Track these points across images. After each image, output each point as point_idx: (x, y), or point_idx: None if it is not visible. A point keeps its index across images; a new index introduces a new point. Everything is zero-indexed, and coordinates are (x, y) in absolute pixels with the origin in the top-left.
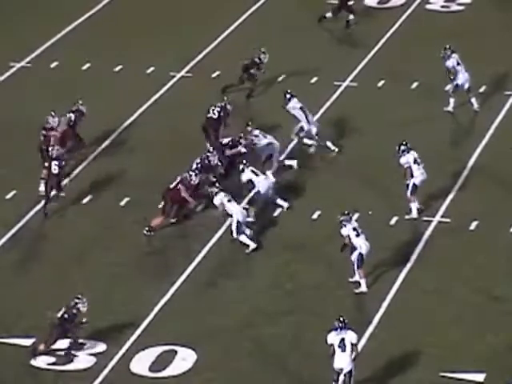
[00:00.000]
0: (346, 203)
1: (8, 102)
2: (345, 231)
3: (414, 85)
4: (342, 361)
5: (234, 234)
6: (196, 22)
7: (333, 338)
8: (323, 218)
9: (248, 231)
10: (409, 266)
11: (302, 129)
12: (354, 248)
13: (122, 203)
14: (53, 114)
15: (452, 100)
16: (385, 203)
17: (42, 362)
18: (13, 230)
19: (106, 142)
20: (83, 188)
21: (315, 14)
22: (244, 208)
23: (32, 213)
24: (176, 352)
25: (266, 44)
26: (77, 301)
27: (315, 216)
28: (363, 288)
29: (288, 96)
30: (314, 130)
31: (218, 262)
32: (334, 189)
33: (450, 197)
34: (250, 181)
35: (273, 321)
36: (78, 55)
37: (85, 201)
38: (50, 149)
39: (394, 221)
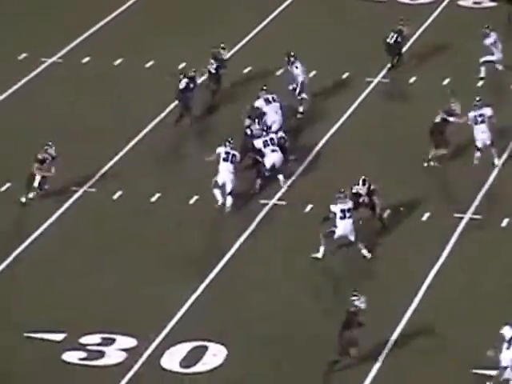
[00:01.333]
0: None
1: (40, 98)
2: (333, 208)
3: (446, 81)
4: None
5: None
6: (220, 21)
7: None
8: None
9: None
10: (440, 261)
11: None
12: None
13: (153, 199)
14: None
15: (483, 69)
16: (417, 199)
17: (73, 357)
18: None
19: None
20: (114, 183)
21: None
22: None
23: (63, 208)
24: (207, 348)
25: (293, 43)
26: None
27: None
28: (319, 254)
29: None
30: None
31: (248, 258)
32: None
33: (482, 193)
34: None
35: (304, 313)
36: (110, 51)
37: (115, 196)
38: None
39: (425, 217)
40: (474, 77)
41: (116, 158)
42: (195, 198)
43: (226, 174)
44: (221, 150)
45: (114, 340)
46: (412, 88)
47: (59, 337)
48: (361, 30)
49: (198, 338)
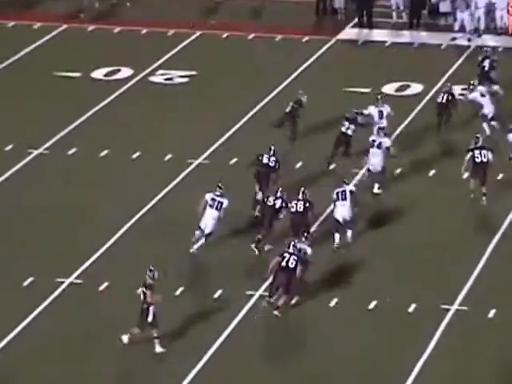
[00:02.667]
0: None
1: (25, 189)
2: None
3: None
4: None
5: None
6: (216, 109)
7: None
8: None
9: None
10: (427, 353)
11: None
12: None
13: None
14: None
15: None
16: (405, 290)
17: None
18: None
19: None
20: (101, 274)
21: None
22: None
23: (50, 299)
24: None
25: None
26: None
27: None
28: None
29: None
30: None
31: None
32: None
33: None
34: None
35: None
36: (95, 143)
37: (102, 287)
38: None
39: (412, 308)
40: None
41: (103, 249)
42: (180, 289)
43: (208, 219)
44: (208, 196)
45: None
46: None
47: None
48: None
49: None
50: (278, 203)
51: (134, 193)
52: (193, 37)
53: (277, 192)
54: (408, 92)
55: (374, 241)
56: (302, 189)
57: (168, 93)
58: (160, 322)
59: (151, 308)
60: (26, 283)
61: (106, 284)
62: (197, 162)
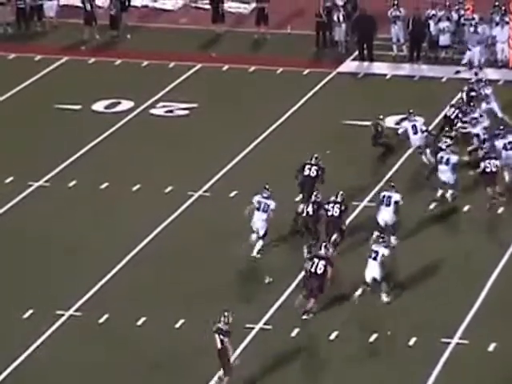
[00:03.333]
0: None
1: (25, 221)
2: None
3: None
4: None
5: None
6: (216, 141)
7: None
8: None
9: None
10: None
11: None
12: None
13: (139, 322)
14: None
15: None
16: (403, 323)
17: None
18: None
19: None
20: (100, 307)
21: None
22: None
23: (49, 331)
24: None
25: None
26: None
27: None
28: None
29: None
30: None
31: None
32: None
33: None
34: None
35: None
36: (95, 175)
37: (101, 320)
38: None
39: (412, 341)
40: None
41: (103, 281)
42: (181, 321)
43: (258, 222)
44: (255, 198)
45: None
46: None
47: None
48: None
49: None
50: (312, 209)
51: (135, 224)
52: (193, 69)
53: (310, 196)
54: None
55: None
56: (341, 192)
57: (168, 125)
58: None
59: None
60: (25, 315)
61: (105, 316)
62: (197, 194)
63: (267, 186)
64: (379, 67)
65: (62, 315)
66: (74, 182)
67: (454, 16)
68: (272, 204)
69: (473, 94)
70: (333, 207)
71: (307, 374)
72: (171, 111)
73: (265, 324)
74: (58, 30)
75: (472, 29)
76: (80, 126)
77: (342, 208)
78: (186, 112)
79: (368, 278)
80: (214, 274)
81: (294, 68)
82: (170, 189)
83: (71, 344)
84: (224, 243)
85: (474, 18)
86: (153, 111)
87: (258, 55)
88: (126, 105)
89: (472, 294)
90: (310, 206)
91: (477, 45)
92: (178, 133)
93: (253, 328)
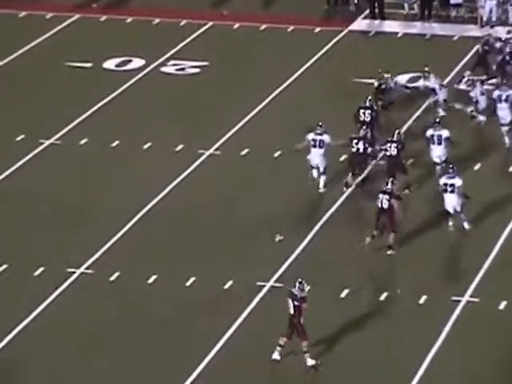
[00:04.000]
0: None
1: (36, 179)
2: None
3: None
4: None
5: None
6: (227, 99)
7: None
8: None
9: None
10: (437, 345)
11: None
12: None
13: (150, 280)
14: None
15: None
16: (413, 281)
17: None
18: None
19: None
20: (112, 265)
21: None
22: None
23: (61, 289)
24: None
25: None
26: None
27: None
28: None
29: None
30: None
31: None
32: None
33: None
34: None
35: None
36: (106, 133)
37: (112, 278)
38: None
39: (423, 299)
40: None
41: (114, 239)
42: (192, 279)
43: (317, 158)
44: (309, 136)
45: None
46: None
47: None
48: None
49: None
50: (363, 146)
51: (146, 183)
52: (205, 27)
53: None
54: (419, 83)
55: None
56: (397, 131)
57: (179, 83)
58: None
59: (302, 320)
60: (36, 273)
61: (116, 274)
62: (208, 152)
63: (320, 123)
64: (390, 25)
65: (74, 273)
66: (85, 140)
67: None
68: (327, 138)
69: (486, 48)
70: (390, 147)
71: (317, 333)
72: (182, 69)
73: (275, 282)
74: None
75: None
76: (91, 84)
77: (399, 147)
78: (197, 70)
79: (451, 210)
80: (225, 233)
81: (306, 26)
82: (180, 147)
83: (82, 301)
84: (234, 201)
85: None
86: (164, 69)
87: (269, 13)
88: (137, 63)
89: (483, 253)
90: (361, 143)
91: (488, 2)
92: (188, 91)
93: (264, 286)
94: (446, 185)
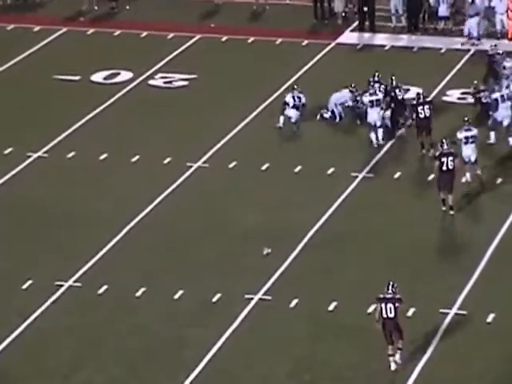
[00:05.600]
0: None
1: (24, 192)
2: (459, 135)
3: None
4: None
5: None
6: (215, 112)
7: None
8: None
9: None
10: (426, 357)
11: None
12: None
13: (138, 293)
14: None
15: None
16: (401, 294)
17: None
18: None
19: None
20: (100, 277)
21: None
22: None
23: (49, 302)
24: None
25: None
26: None
27: None
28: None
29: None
30: None
31: None
32: None
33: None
34: None
35: None
36: (94, 146)
37: (101, 291)
38: None
39: (411, 312)
40: None
41: (102, 252)
42: (180, 292)
43: (375, 115)
44: (366, 99)
45: None
46: None
47: None
48: None
49: None
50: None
51: (134, 196)
52: (193, 40)
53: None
54: (408, 96)
55: (374, 243)
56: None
57: (167, 96)
58: None
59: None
60: (24, 286)
61: (105, 287)
62: (196, 165)
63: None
64: (378, 38)
65: (62, 286)
66: (72, 153)
67: None
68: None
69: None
70: (423, 109)
71: (305, 345)
72: (170, 82)
73: (263, 295)
74: (57, 1)
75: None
76: (79, 96)
77: (431, 107)
78: (185, 83)
79: (473, 158)
80: (213, 245)
81: (293, 39)
82: (168, 160)
83: (70, 314)
84: (222, 214)
85: None
86: (151, 82)
87: (258, 26)
88: (124, 76)
89: (471, 265)
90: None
91: (475, 16)
92: (176, 104)
93: (252, 298)
94: (466, 138)
